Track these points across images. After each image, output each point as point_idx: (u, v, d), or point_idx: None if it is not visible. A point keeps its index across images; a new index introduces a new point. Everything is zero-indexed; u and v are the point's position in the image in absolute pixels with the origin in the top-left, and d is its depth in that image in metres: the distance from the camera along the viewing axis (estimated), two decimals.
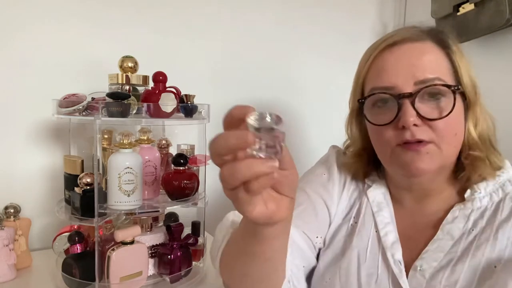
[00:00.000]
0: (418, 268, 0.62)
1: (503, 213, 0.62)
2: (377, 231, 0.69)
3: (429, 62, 0.62)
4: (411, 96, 0.60)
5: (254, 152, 0.37)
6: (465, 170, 0.65)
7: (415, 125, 0.60)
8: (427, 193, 0.68)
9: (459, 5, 1.14)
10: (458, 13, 1.15)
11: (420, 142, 0.61)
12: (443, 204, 0.67)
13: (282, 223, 0.45)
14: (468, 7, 1.12)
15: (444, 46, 0.64)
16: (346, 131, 0.75)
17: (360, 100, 0.66)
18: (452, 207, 0.65)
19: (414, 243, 0.66)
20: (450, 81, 0.62)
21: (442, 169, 0.64)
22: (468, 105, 0.64)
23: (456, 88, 0.61)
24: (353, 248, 0.68)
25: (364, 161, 0.73)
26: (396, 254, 0.65)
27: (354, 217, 0.73)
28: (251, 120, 0.37)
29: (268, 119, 0.36)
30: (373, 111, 0.65)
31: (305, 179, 0.78)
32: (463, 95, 0.63)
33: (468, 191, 0.64)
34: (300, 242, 0.69)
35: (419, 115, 0.60)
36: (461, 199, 0.65)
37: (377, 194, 0.72)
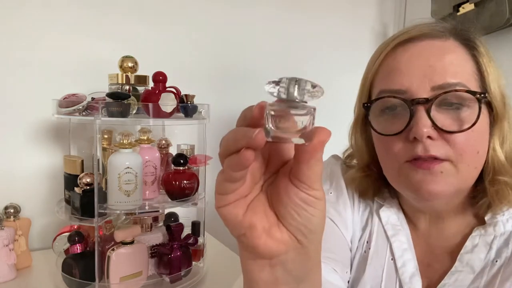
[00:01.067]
0: None
1: None
2: (393, 259, 0.59)
3: (451, 64, 0.51)
4: (427, 102, 0.50)
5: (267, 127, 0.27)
6: (486, 196, 0.54)
7: (429, 137, 0.50)
8: (442, 215, 0.58)
9: (459, 5, 1.14)
10: (458, 13, 1.15)
11: (433, 159, 0.50)
12: (460, 226, 0.57)
13: (276, 267, 0.34)
14: (468, 7, 1.12)
15: (470, 47, 0.54)
16: (349, 140, 0.65)
17: (366, 104, 0.56)
18: (471, 230, 0.56)
19: (432, 272, 0.57)
20: (475, 88, 0.52)
21: (459, 193, 0.55)
22: (494, 119, 0.53)
23: (482, 96, 0.50)
24: (365, 282, 0.59)
25: (373, 177, 0.62)
26: None
27: (367, 242, 0.63)
28: (267, 86, 0.27)
29: (292, 88, 0.26)
30: (381, 119, 0.55)
31: None
32: (490, 106, 0.53)
33: (489, 213, 0.55)
34: (339, 284, 0.58)
35: (435, 126, 0.50)
36: (481, 221, 0.56)
37: (391, 214, 0.62)
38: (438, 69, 0.51)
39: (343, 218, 0.63)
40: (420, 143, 0.50)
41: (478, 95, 0.50)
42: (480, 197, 0.55)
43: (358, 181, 0.63)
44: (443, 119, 0.51)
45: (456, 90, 0.50)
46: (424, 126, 0.49)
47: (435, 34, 0.54)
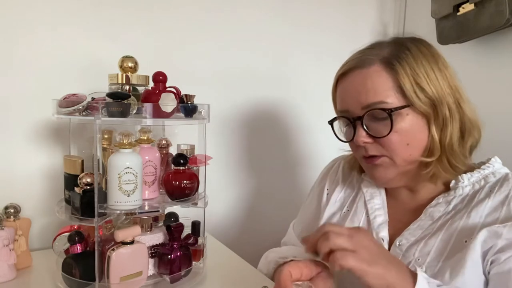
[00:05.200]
0: (397, 243, 0.71)
1: (479, 197, 0.68)
2: (368, 216, 0.79)
3: (372, 86, 0.68)
4: (360, 119, 0.70)
5: None
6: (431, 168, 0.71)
7: (367, 142, 0.70)
8: (413, 188, 0.76)
9: (459, 5, 1.14)
10: (458, 13, 1.15)
11: (373, 156, 0.71)
12: (431, 193, 0.74)
13: None
14: (468, 7, 1.12)
15: (391, 68, 0.68)
16: None
17: (329, 122, 0.78)
18: (438, 195, 0.73)
19: (400, 223, 0.74)
20: (395, 100, 0.68)
21: (406, 173, 0.72)
22: (426, 114, 0.69)
23: (391, 111, 0.67)
24: None
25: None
26: (381, 232, 0.74)
27: (347, 206, 0.84)
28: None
29: None
30: (344, 128, 0.77)
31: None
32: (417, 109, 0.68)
33: (453, 181, 0.71)
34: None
35: (368, 134, 0.70)
36: (448, 188, 0.72)
37: (371, 185, 0.82)
38: (362, 92, 0.69)
39: (319, 195, 0.91)
40: (362, 147, 0.71)
41: (388, 111, 0.67)
42: (429, 170, 0.71)
43: (352, 162, 0.87)
44: (374, 127, 0.69)
45: (374, 109, 0.68)
46: (360, 136, 0.70)
47: (361, 65, 0.71)
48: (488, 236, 0.62)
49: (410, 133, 0.69)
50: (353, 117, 0.71)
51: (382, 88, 0.68)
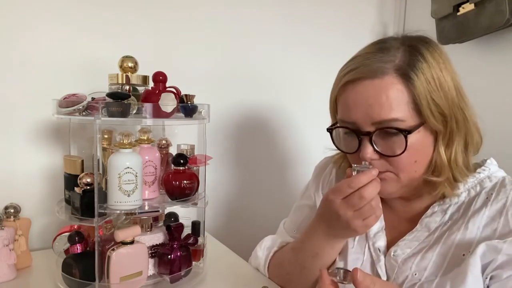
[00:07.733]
0: (392, 253, 0.69)
1: (476, 205, 0.66)
2: None
3: (386, 101, 0.63)
4: (369, 134, 0.65)
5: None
6: (435, 185, 0.69)
7: (374, 159, 0.66)
8: (409, 199, 0.73)
9: (459, 5, 1.14)
10: (458, 13, 1.15)
11: (377, 171, 0.65)
12: (426, 201, 0.73)
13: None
14: (468, 7, 1.12)
15: (406, 80, 0.63)
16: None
17: (329, 129, 0.73)
18: (433, 203, 0.71)
19: (396, 232, 0.73)
20: (409, 118, 0.63)
21: (407, 187, 0.69)
22: (436, 131, 0.66)
23: (407, 132, 0.63)
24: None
25: (348, 162, 0.80)
26: (377, 242, 0.73)
27: None
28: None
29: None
30: (344, 135, 0.72)
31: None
32: (429, 126, 0.65)
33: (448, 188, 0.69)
34: None
35: (376, 151, 0.65)
36: (443, 196, 0.70)
37: None
38: (375, 107, 0.63)
39: (313, 200, 0.88)
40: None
41: (404, 133, 0.63)
42: (431, 186, 0.69)
43: (338, 161, 0.85)
44: (383, 144, 0.65)
45: (388, 127, 0.63)
46: (367, 153, 0.65)
47: (374, 74, 0.64)
48: (487, 250, 0.61)
49: (418, 151, 0.65)
50: (361, 131, 0.66)
51: (396, 103, 0.63)
